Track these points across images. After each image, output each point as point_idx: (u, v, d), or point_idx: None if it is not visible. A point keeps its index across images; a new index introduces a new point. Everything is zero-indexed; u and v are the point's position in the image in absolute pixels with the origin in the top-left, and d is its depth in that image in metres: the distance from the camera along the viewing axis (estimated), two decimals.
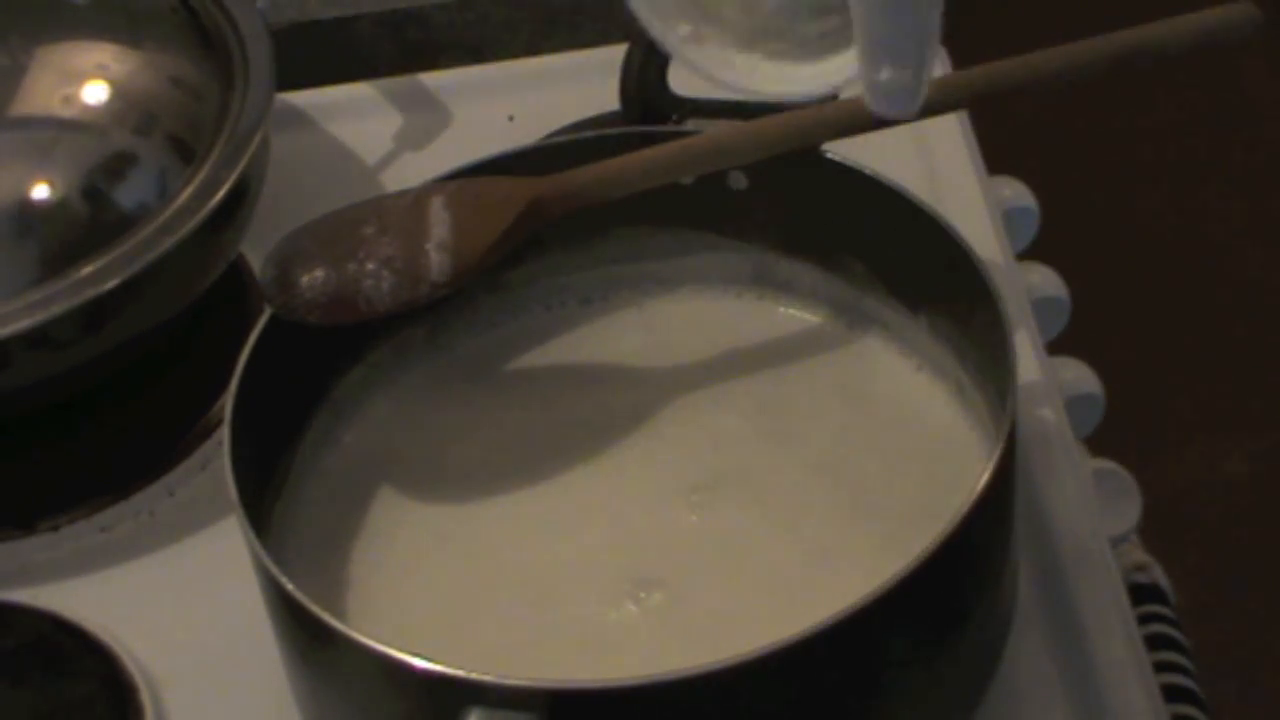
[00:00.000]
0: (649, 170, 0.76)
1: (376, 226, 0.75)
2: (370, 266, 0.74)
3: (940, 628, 0.68)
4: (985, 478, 0.66)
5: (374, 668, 0.65)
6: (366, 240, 0.74)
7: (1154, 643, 0.91)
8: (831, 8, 0.66)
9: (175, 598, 0.82)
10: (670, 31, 0.68)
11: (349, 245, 0.74)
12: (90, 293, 0.79)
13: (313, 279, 0.74)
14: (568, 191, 0.76)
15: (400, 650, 0.64)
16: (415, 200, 0.75)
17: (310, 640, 0.68)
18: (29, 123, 0.86)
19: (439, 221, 0.74)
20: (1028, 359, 0.84)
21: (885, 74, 0.58)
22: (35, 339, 0.79)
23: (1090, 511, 0.80)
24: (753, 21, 0.67)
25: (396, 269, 0.73)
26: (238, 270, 0.90)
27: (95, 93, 0.86)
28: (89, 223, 0.83)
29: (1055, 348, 0.94)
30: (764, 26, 0.67)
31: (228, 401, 0.72)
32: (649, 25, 0.68)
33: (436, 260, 0.73)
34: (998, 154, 0.98)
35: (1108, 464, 0.95)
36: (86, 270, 0.80)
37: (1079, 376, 0.96)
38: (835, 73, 0.68)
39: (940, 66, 1.00)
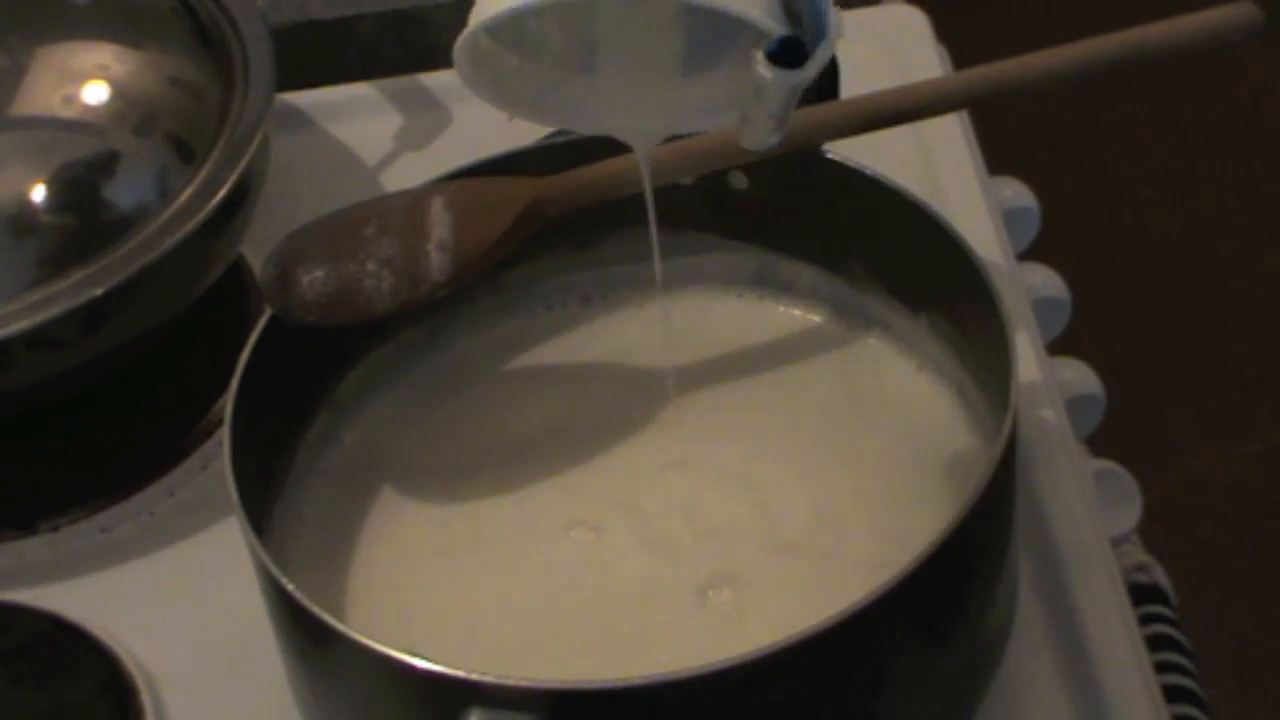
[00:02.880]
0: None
1: (376, 227, 0.75)
2: (370, 267, 0.74)
3: (940, 628, 0.68)
4: (985, 478, 0.66)
5: (374, 668, 0.65)
6: (367, 240, 0.74)
7: (1154, 643, 0.91)
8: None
9: (175, 598, 0.82)
10: (520, 105, 0.69)
11: (349, 245, 0.74)
12: (90, 293, 0.79)
13: (313, 279, 0.74)
14: (568, 191, 0.76)
15: (400, 650, 0.64)
16: (415, 200, 0.75)
17: (310, 640, 0.68)
18: (29, 123, 0.86)
19: (439, 222, 0.74)
20: (1028, 359, 0.84)
21: (775, 138, 0.64)
22: (35, 339, 0.79)
23: (1090, 511, 0.80)
24: (582, 39, 0.67)
25: (396, 269, 0.73)
26: (238, 270, 0.90)
27: (95, 93, 0.86)
28: (89, 223, 0.83)
29: (1055, 348, 0.94)
30: (592, 43, 0.67)
31: (228, 401, 0.72)
32: (505, 109, 0.68)
33: (437, 260, 0.73)
34: (998, 154, 0.98)
35: (1108, 464, 0.95)
36: (86, 270, 0.80)
37: (1079, 376, 0.96)
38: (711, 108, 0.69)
39: (940, 66, 1.00)
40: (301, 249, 0.75)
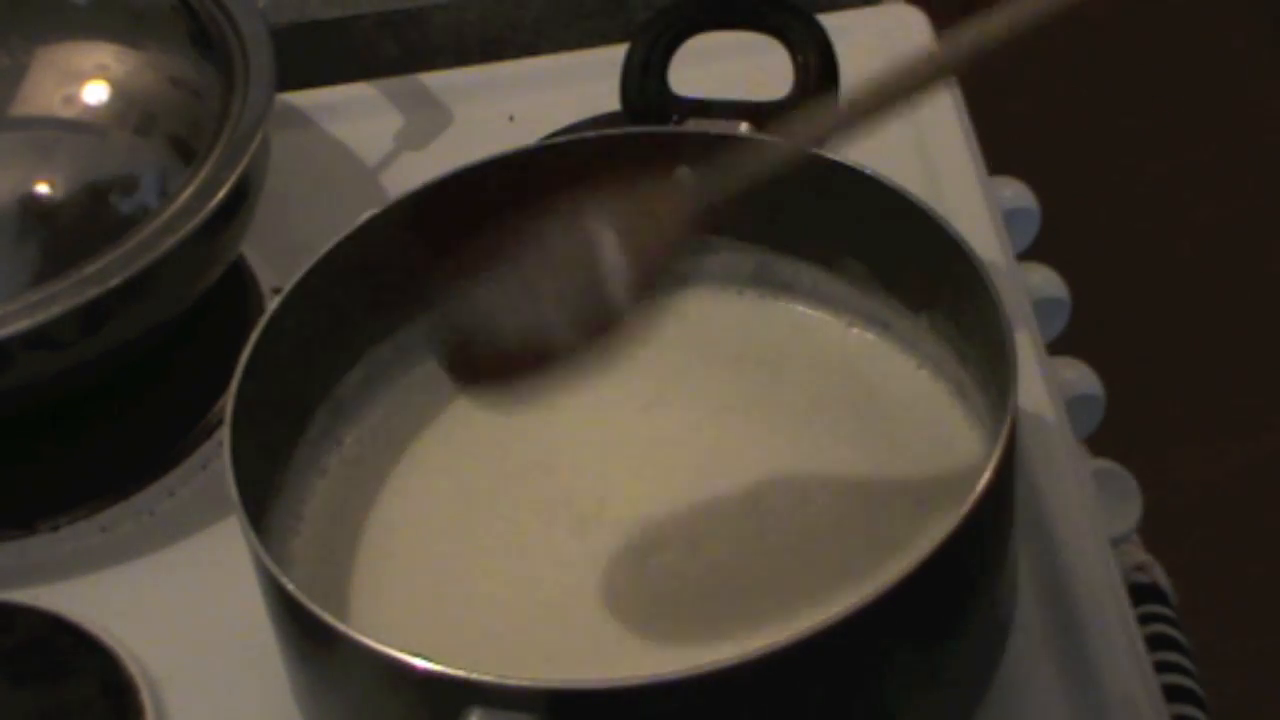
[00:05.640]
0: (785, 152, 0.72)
1: (537, 268, 0.71)
2: (547, 309, 0.71)
3: (940, 627, 0.68)
4: (985, 478, 0.66)
5: (374, 668, 0.65)
6: (533, 282, 0.72)
7: (1154, 643, 0.91)
8: None
9: (175, 598, 0.82)
10: None
11: (516, 292, 0.71)
12: (90, 293, 0.79)
13: (493, 338, 0.71)
14: (730, 184, 0.71)
15: (400, 650, 0.64)
16: (568, 228, 0.71)
17: (310, 640, 0.68)
18: (29, 123, 0.86)
19: (604, 242, 0.70)
20: (1028, 359, 0.84)
21: None
22: (35, 339, 0.79)
23: (1090, 511, 0.80)
24: None
25: (576, 306, 0.70)
26: (238, 270, 0.90)
27: (95, 93, 0.86)
28: (89, 223, 0.83)
29: (1055, 348, 0.94)
30: None
31: (228, 401, 0.72)
32: None
33: (615, 284, 0.71)
34: (998, 154, 0.98)
35: (1108, 464, 0.95)
36: (86, 270, 0.80)
37: (1079, 376, 0.96)
38: None
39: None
40: (470, 314, 0.71)
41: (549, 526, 0.75)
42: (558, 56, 1.04)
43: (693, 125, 0.81)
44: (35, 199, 0.83)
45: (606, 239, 0.70)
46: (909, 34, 1.01)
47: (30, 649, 0.79)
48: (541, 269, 0.71)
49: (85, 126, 0.86)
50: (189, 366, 0.89)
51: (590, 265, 0.70)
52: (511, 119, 0.99)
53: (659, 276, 0.70)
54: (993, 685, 0.72)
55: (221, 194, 0.83)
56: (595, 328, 0.70)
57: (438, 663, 0.63)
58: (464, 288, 0.71)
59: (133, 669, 0.78)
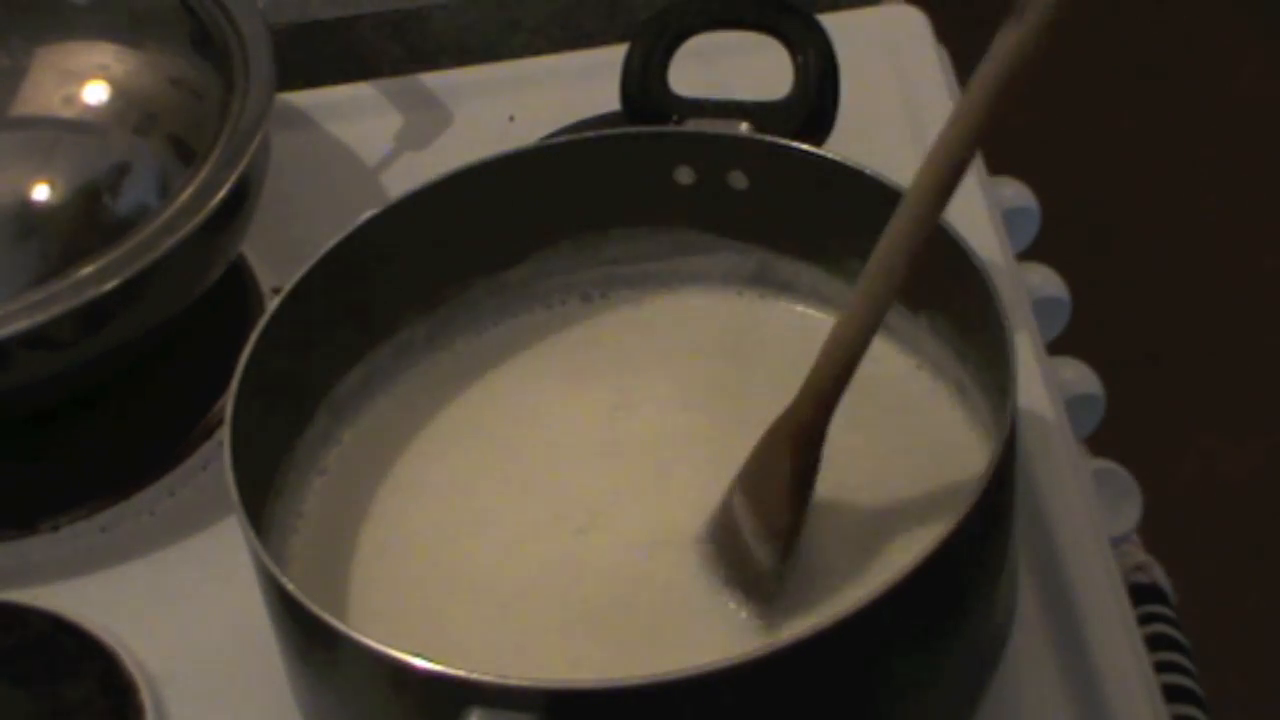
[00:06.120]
0: (862, 333, 0.71)
1: (717, 531, 0.73)
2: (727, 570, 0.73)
3: (940, 627, 0.68)
4: (985, 478, 0.66)
5: (374, 668, 0.65)
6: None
7: (1154, 643, 0.91)
8: None
9: (175, 598, 0.82)
10: None
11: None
12: (90, 293, 0.79)
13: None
14: (819, 396, 0.72)
15: (400, 650, 0.64)
16: (723, 510, 0.73)
17: (310, 640, 0.68)
18: (29, 123, 0.86)
19: (742, 513, 0.72)
20: (1028, 359, 0.84)
21: None
22: (35, 339, 0.79)
23: (1090, 511, 0.80)
24: None
25: (733, 580, 0.72)
26: (238, 270, 0.90)
27: (95, 93, 0.86)
28: (89, 223, 0.83)
29: (1055, 348, 0.94)
30: None
31: (228, 401, 0.72)
32: None
33: (757, 550, 0.72)
34: (998, 154, 0.98)
35: (1108, 464, 0.95)
36: (86, 270, 0.80)
37: (1079, 376, 0.96)
38: None
39: (940, 67, 0.99)
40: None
41: (550, 524, 0.76)
42: (558, 56, 1.04)
43: (693, 125, 0.81)
44: (35, 199, 0.83)
45: (743, 508, 0.72)
46: (909, 34, 1.01)
47: (30, 649, 0.79)
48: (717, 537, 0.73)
49: (85, 126, 0.86)
50: (189, 366, 0.89)
51: (736, 537, 0.72)
52: (511, 119, 0.99)
53: (794, 524, 0.71)
54: (993, 685, 0.72)
55: (221, 194, 0.83)
56: (758, 598, 0.71)
57: (438, 663, 0.63)
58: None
59: (133, 669, 0.78)
